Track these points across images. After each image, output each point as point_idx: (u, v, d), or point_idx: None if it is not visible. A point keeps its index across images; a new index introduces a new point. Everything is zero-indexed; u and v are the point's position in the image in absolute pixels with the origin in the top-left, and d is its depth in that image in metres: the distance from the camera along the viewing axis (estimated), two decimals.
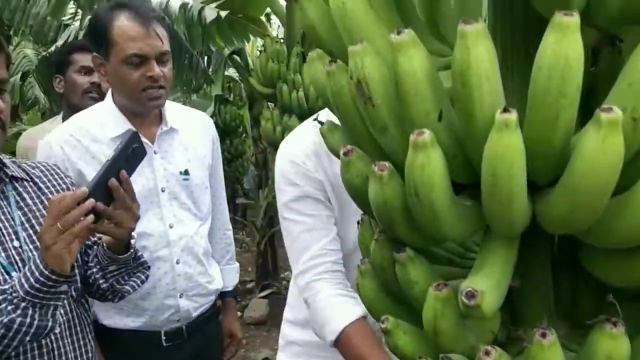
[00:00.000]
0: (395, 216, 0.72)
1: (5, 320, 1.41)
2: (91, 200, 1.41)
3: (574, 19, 0.58)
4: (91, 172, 1.90)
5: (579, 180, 0.62)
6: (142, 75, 1.89)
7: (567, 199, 0.64)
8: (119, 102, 2.02)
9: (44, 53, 4.92)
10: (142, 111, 2.02)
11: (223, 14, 4.78)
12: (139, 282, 1.75)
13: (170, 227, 2.02)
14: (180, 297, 2.07)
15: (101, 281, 1.67)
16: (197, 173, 2.13)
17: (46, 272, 1.41)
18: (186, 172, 2.10)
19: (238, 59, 5.86)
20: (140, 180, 1.87)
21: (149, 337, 2.07)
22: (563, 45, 0.58)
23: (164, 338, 2.08)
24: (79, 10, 4.26)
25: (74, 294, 1.65)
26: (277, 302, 5.71)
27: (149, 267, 1.80)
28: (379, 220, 0.74)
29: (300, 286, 1.68)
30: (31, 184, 1.65)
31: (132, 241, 1.65)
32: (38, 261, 1.43)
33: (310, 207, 1.60)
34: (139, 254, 1.73)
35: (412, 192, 0.65)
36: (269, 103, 4.96)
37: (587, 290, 0.84)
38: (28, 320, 1.43)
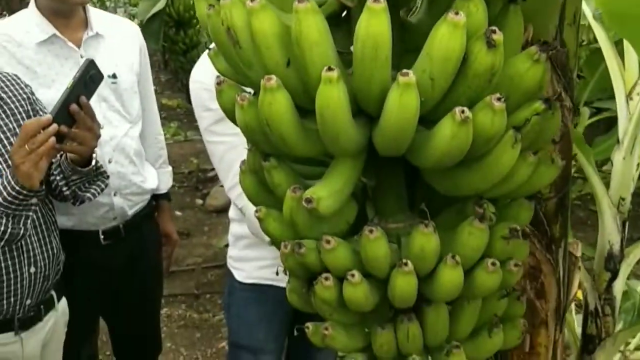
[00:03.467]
0: (255, 137, 0.93)
1: None
2: (54, 125, 1.62)
3: (381, 5, 0.81)
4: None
5: (387, 124, 0.88)
6: None
7: (381, 133, 0.91)
8: (41, 5, 2.08)
9: None
10: (66, 10, 2.08)
11: None
12: (99, 189, 1.97)
13: (101, 127, 2.13)
14: (114, 195, 2.21)
15: (64, 188, 1.87)
16: (125, 77, 2.23)
17: (17, 188, 1.62)
18: (114, 76, 2.19)
19: None
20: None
21: (87, 236, 2.21)
22: (372, 23, 0.81)
23: (102, 237, 2.22)
24: None
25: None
26: None
27: (108, 176, 1.99)
28: (246, 138, 0.96)
29: (232, 199, 1.92)
30: None
31: (94, 155, 1.84)
32: (10, 177, 1.63)
33: (228, 127, 1.75)
34: (99, 164, 1.92)
35: (265, 124, 0.87)
36: None
37: (432, 193, 1.04)
38: (2, 228, 1.65)
